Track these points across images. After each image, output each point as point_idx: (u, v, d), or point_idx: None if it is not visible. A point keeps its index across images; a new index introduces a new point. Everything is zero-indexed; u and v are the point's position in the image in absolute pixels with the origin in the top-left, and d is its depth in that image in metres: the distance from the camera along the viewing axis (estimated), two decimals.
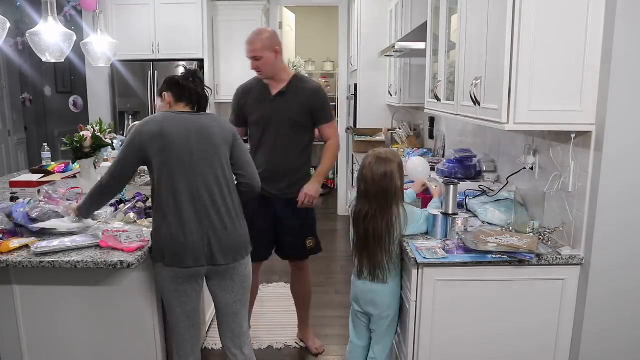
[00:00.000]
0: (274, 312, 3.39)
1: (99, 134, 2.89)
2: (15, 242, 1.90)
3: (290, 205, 2.65)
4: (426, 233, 2.13)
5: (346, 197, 5.95)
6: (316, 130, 2.71)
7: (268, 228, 2.68)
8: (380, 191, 2.00)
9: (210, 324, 3.08)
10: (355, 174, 4.51)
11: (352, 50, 5.53)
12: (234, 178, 2.07)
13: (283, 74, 2.62)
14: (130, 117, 5.19)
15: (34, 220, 2.07)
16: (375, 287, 2.07)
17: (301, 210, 2.66)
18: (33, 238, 1.97)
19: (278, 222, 2.68)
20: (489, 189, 2.53)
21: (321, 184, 2.69)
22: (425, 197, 2.40)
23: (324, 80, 7.43)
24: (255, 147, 2.66)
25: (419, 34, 3.15)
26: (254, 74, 2.67)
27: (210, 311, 3.04)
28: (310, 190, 2.62)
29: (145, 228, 2.18)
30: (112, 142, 3.16)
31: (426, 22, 2.98)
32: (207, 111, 2.10)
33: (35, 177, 2.55)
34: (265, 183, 2.29)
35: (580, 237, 1.89)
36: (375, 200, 2.02)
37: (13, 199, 2.36)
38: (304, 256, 2.81)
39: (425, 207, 2.32)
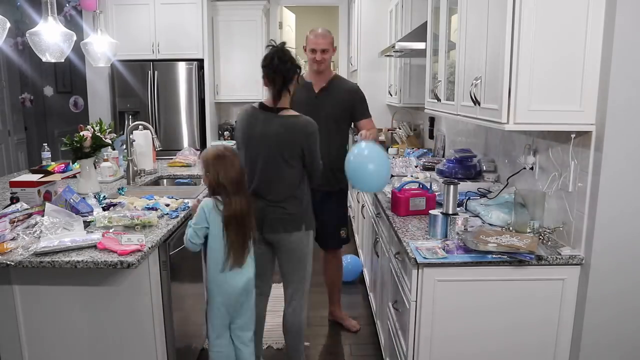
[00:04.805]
0: (274, 313, 3.38)
1: (99, 134, 2.89)
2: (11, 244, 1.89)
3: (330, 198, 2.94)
4: None
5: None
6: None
7: None
8: None
9: None
10: None
11: (352, 50, 5.53)
12: None
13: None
14: (130, 117, 5.18)
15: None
16: None
17: (334, 203, 3.02)
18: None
19: (317, 214, 2.62)
20: (488, 191, 2.53)
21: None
22: (428, 196, 2.40)
23: None
24: None
25: (419, 34, 3.15)
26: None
27: None
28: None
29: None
30: (112, 142, 3.16)
31: (426, 22, 2.98)
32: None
33: (35, 177, 2.54)
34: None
35: (580, 237, 1.89)
36: None
37: (13, 199, 2.35)
38: (338, 246, 3.17)
39: (429, 207, 2.33)
